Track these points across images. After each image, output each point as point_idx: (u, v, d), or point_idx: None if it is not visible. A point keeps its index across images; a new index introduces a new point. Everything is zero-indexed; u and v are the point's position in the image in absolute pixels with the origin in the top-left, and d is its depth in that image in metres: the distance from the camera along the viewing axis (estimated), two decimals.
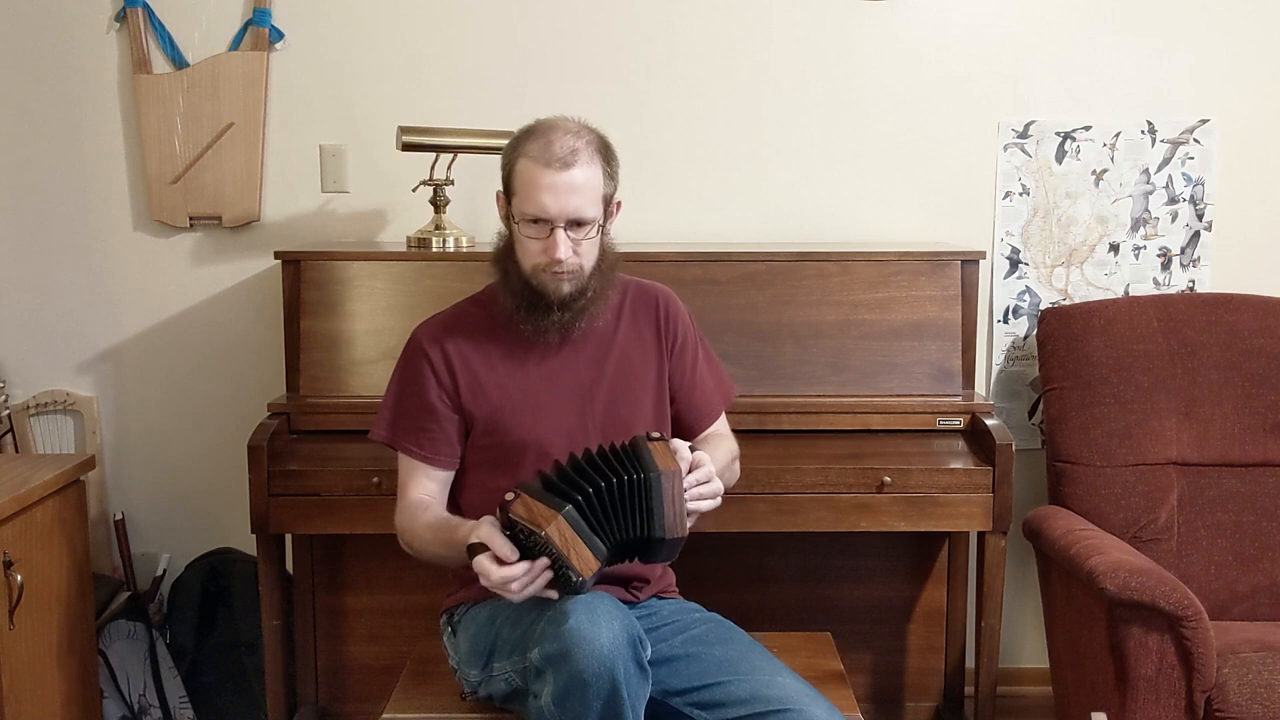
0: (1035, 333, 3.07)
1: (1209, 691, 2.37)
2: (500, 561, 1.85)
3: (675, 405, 2.24)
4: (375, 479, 2.61)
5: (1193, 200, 3.17)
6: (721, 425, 2.32)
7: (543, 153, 2.03)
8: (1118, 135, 3.15)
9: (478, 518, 1.95)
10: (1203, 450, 2.86)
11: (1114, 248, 3.19)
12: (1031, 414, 3.22)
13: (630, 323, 2.22)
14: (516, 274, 2.12)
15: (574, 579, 1.85)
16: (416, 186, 2.96)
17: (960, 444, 2.75)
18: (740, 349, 2.80)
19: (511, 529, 1.87)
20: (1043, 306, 3.15)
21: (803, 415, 2.75)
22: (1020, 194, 3.17)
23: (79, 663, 2.79)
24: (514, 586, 1.85)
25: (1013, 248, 3.19)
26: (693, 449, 1.98)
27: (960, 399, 2.81)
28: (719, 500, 1.99)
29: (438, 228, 2.95)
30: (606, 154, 2.10)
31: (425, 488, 2.16)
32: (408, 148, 2.89)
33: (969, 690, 2.95)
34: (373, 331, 2.81)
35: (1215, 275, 3.19)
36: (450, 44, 3.12)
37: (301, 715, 2.98)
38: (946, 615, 3.02)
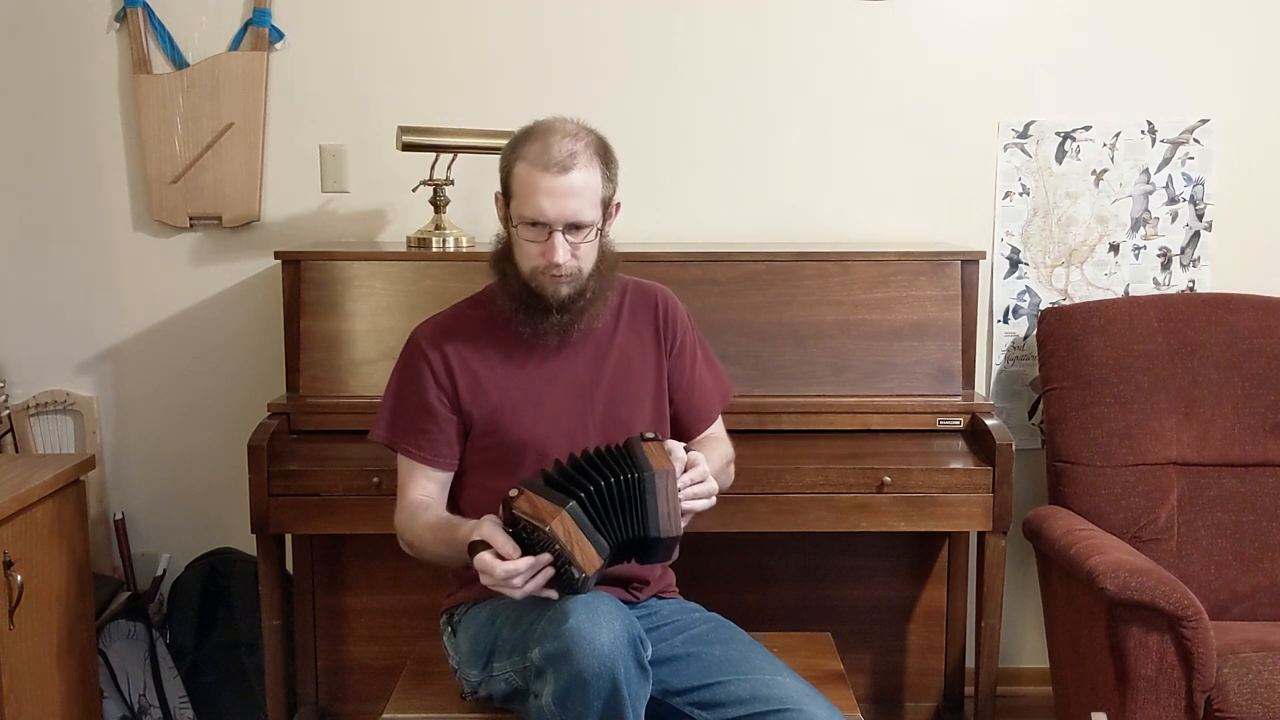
0: (1035, 333, 3.07)
1: (1209, 691, 2.37)
2: (503, 559, 1.85)
3: (673, 405, 2.24)
4: (375, 479, 2.61)
5: (1193, 200, 3.17)
6: (717, 428, 2.32)
7: (541, 156, 2.03)
8: (1118, 135, 3.15)
9: (478, 518, 1.95)
10: (1203, 450, 2.86)
11: (1114, 248, 3.19)
12: (1031, 414, 3.22)
13: (629, 323, 2.22)
14: (515, 276, 2.12)
15: (576, 576, 1.85)
16: (416, 186, 2.96)
17: (960, 444, 2.75)
18: (740, 349, 2.80)
19: (514, 526, 1.87)
20: (1043, 306, 3.15)
21: (803, 415, 2.75)
22: (1020, 194, 3.17)
23: (79, 663, 2.79)
24: (516, 582, 1.85)
25: (1013, 248, 3.19)
26: (687, 450, 1.98)
27: (960, 399, 2.81)
28: (714, 500, 1.99)
29: (438, 228, 2.95)
30: (605, 156, 2.09)
31: (425, 489, 2.16)
32: (408, 148, 2.89)
33: (969, 690, 2.95)
34: (373, 331, 2.81)
35: (1215, 275, 3.19)
36: (451, 44, 3.12)
37: (301, 715, 2.98)
38: (946, 615, 3.02)
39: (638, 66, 3.13)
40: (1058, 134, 3.15)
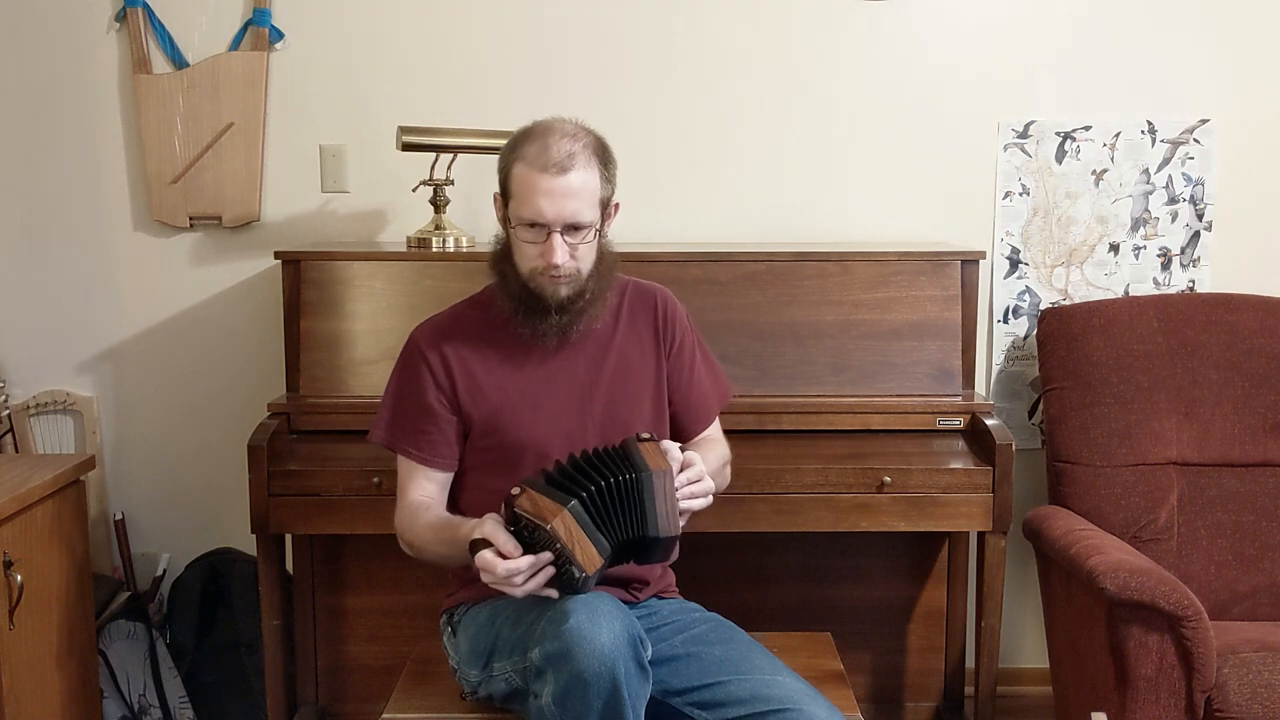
0: (1035, 333, 3.07)
1: (1209, 691, 2.37)
2: (504, 557, 1.85)
3: (672, 406, 2.24)
4: (375, 479, 2.61)
5: (1193, 200, 3.17)
6: (715, 430, 2.31)
7: (539, 157, 2.02)
8: (1118, 135, 3.15)
9: (478, 518, 1.95)
10: (1203, 450, 2.86)
11: (1114, 248, 3.19)
12: (1031, 414, 3.22)
13: (629, 323, 2.22)
14: (514, 277, 2.12)
15: (577, 575, 1.85)
16: (416, 186, 2.96)
17: (960, 444, 2.75)
18: (740, 349, 2.80)
19: (516, 524, 1.87)
20: (1043, 306, 3.15)
21: (803, 415, 2.75)
22: (1020, 194, 3.17)
23: (79, 663, 2.79)
24: (517, 580, 1.85)
25: (1013, 248, 3.19)
26: (683, 450, 1.98)
27: (960, 399, 2.81)
28: (710, 499, 1.99)
29: (438, 228, 2.95)
30: (604, 156, 2.09)
31: (424, 489, 2.16)
32: (408, 148, 2.89)
33: (969, 690, 2.95)
34: (373, 331, 2.81)
35: (1215, 275, 3.19)
36: (451, 44, 3.12)
37: (301, 715, 2.98)
38: (946, 615, 3.02)
39: (638, 66, 3.13)
40: (1058, 134, 3.15)
